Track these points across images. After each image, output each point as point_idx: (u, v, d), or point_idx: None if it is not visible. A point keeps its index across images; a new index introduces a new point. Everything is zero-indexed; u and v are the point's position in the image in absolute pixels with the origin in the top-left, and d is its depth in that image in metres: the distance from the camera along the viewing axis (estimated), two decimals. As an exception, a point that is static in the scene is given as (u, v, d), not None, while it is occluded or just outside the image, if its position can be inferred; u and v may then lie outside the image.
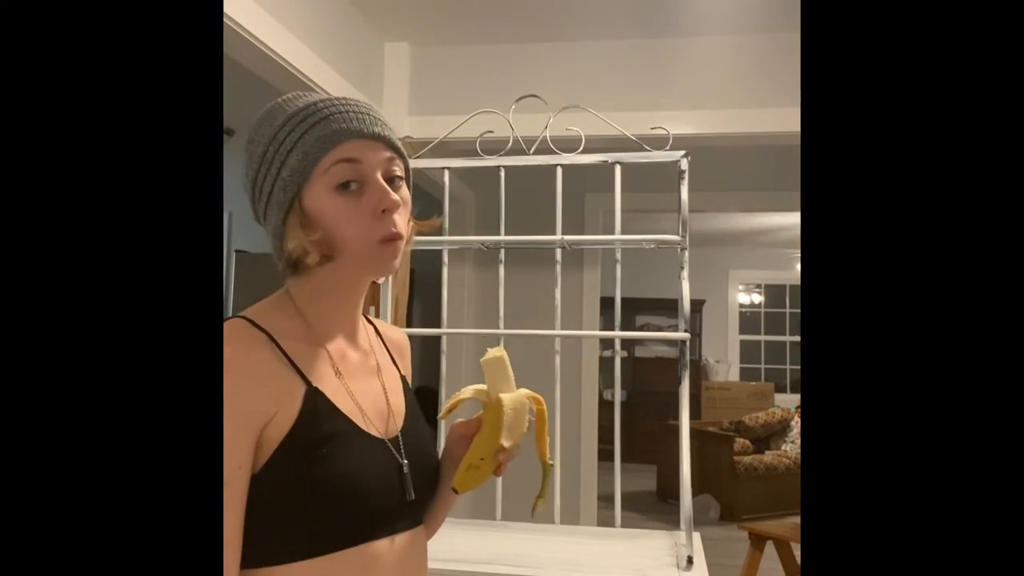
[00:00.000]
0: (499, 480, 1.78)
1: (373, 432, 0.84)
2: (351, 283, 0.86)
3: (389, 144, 0.84)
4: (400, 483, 0.85)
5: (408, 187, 0.87)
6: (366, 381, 0.88)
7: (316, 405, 0.79)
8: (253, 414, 0.75)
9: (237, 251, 4.62)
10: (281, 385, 0.78)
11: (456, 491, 0.87)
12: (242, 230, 4.79)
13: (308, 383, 0.80)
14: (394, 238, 0.81)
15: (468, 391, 0.90)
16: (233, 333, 0.78)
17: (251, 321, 0.80)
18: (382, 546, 0.82)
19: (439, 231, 1.05)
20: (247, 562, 0.76)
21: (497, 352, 0.88)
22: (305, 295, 0.85)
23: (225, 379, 0.73)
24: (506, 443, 0.85)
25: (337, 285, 0.85)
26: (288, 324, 0.83)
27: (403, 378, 0.96)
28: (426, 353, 5.47)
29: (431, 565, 1.40)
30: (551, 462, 0.92)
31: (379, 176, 0.82)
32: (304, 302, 0.85)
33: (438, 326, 1.99)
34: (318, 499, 0.77)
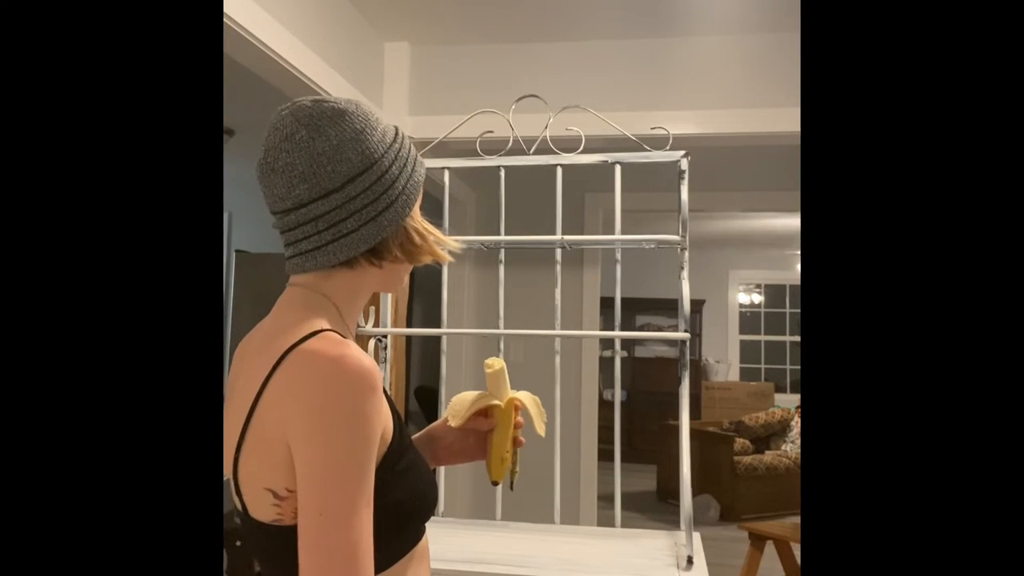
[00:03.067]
0: (499, 480, 1.80)
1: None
2: (376, 286, 0.88)
3: None
4: None
5: None
6: None
7: (398, 418, 0.81)
8: (380, 434, 0.75)
9: (237, 251, 4.62)
10: (384, 402, 0.77)
11: (496, 482, 1.00)
12: (242, 230, 4.78)
13: (387, 396, 0.80)
14: None
15: (473, 401, 1.01)
16: (351, 347, 0.74)
17: (339, 333, 0.78)
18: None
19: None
20: None
21: (500, 363, 1.02)
22: (347, 293, 0.84)
23: (370, 400, 0.71)
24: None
25: (373, 285, 0.86)
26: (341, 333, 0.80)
27: None
28: (426, 353, 5.46)
29: (432, 565, 1.40)
30: (522, 440, 1.06)
31: None
32: (345, 301, 0.84)
33: (438, 326, 1.99)
34: (407, 507, 0.79)
